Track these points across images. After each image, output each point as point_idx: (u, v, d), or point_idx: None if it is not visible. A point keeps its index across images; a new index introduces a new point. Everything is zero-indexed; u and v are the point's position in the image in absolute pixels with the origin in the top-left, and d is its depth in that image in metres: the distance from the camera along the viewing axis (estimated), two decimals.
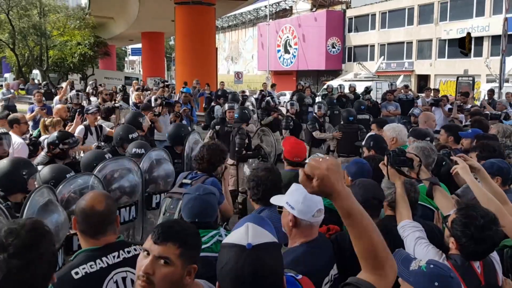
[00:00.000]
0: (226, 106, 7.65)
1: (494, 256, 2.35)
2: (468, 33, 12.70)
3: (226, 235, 2.43)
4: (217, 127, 7.42)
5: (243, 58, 54.16)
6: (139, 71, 59.44)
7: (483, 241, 2.11)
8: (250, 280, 1.37)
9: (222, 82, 15.96)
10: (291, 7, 46.69)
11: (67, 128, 6.23)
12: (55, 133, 4.43)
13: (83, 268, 2.01)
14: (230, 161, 6.26)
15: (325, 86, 18.24)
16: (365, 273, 1.52)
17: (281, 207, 2.36)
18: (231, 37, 57.08)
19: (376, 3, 35.88)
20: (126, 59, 77.65)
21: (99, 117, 6.86)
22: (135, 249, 2.18)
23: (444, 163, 3.74)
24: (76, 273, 1.98)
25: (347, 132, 7.49)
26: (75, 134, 5.48)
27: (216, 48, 22.41)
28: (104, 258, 2.07)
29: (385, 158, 2.65)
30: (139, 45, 46.40)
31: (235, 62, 55.32)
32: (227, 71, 52.10)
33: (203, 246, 2.22)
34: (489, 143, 3.65)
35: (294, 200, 2.23)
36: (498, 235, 2.14)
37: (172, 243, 1.57)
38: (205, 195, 2.59)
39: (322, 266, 2.25)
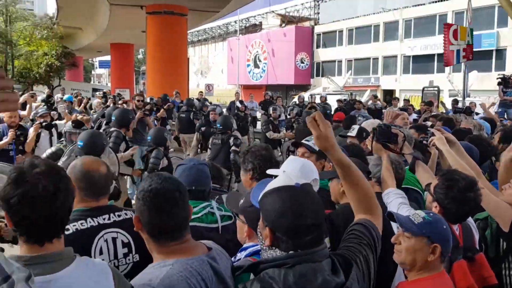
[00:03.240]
0: (210, 107, 7.91)
1: (471, 221, 2.49)
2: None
3: (218, 208, 2.53)
4: (202, 129, 7.68)
5: (213, 72, 54.31)
6: (107, 84, 58.55)
7: (465, 202, 2.22)
8: (309, 211, 1.47)
9: (201, 92, 16.10)
10: (260, 22, 47.32)
11: None
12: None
13: (74, 225, 2.04)
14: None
15: (295, 99, 18.57)
16: (361, 215, 1.76)
17: None
18: (201, 51, 57.22)
19: (343, 20, 36.87)
20: (93, 72, 76.42)
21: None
22: (125, 214, 2.23)
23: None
24: (67, 229, 1.99)
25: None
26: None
27: (188, 58, 22.42)
28: (94, 218, 2.12)
29: (372, 133, 2.78)
30: (107, 58, 45.81)
31: (205, 76, 55.38)
32: (197, 84, 52.06)
33: (193, 216, 2.28)
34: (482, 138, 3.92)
35: (291, 169, 2.27)
36: (479, 197, 2.24)
37: None
38: (200, 165, 2.67)
39: None
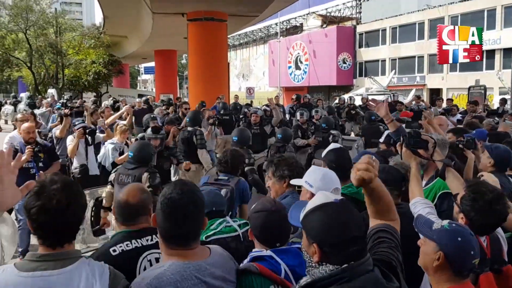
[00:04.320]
0: (251, 110, 8.68)
1: (500, 232, 2.45)
2: None
3: (233, 220, 2.72)
4: None
5: (254, 75, 54.57)
6: (152, 89, 60.11)
7: (491, 215, 2.19)
8: (352, 224, 1.52)
9: (236, 95, 16.25)
10: (301, 24, 47.11)
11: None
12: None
13: (120, 246, 2.23)
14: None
15: (336, 101, 18.39)
16: (382, 221, 1.85)
17: (300, 187, 2.49)
18: (242, 54, 57.66)
19: (386, 18, 36.10)
20: (138, 78, 78.67)
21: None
22: None
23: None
24: (114, 250, 2.20)
25: (370, 132, 8.27)
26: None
27: (228, 63, 22.66)
28: (138, 240, 2.29)
29: (401, 139, 2.76)
30: (152, 64, 47.03)
31: (246, 79, 55.74)
32: (238, 88, 52.50)
33: (214, 231, 2.55)
34: None
35: (312, 179, 2.36)
36: (506, 210, 2.20)
37: None
38: (216, 189, 2.97)
39: None
